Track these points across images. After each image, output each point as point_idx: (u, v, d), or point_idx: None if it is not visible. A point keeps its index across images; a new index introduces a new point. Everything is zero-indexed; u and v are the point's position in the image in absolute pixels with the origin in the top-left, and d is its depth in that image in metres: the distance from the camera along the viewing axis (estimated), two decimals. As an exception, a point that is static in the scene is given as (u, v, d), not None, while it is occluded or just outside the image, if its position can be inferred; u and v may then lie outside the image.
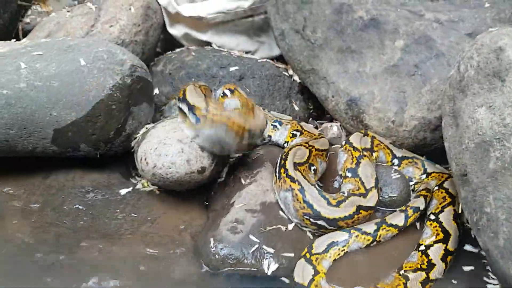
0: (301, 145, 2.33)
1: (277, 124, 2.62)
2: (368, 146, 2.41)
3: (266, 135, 2.61)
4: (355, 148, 2.34)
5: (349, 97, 2.57)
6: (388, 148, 2.45)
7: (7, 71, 2.09)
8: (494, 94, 1.67)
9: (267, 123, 2.21)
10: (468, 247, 2.09)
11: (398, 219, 2.15)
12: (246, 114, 2.09)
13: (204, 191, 2.37)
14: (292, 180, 2.08)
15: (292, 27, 2.76)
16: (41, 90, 2.08)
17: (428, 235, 2.10)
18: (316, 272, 1.90)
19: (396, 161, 2.46)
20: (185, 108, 2.13)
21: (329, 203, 2.08)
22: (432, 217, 2.17)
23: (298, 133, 2.60)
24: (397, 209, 2.25)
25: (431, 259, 1.95)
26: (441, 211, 2.17)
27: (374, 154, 2.42)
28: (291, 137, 2.60)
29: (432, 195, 2.30)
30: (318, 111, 3.03)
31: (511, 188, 1.56)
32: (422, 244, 2.06)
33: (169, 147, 2.03)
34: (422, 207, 2.19)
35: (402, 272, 1.93)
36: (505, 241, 1.58)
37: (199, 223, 2.21)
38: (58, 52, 2.16)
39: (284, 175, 2.10)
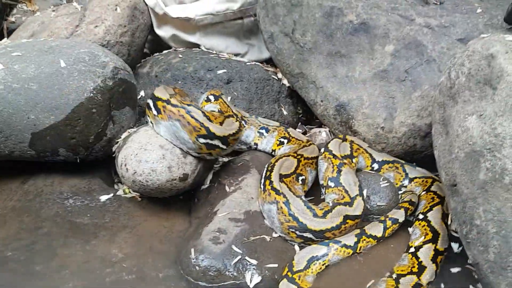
0: (288, 156, 2.27)
1: (263, 131, 2.55)
2: (348, 152, 2.35)
3: (252, 143, 2.54)
4: (334, 156, 2.28)
5: (337, 102, 2.51)
6: (367, 152, 2.39)
7: (-17, 73, 2.01)
8: (485, 102, 1.61)
9: (238, 133, 2.13)
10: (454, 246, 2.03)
11: (377, 230, 2.10)
12: (215, 118, 2.05)
13: (187, 197, 2.31)
14: (277, 192, 2.02)
15: (281, 30, 2.70)
16: (18, 93, 2.00)
17: (417, 235, 2.06)
18: (303, 288, 1.83)
19: (376, 166, 2.40)
20: (150, 101, 2.11)
21: (315, 215, 2.02)
22: (421, 216, 2.14)
23: (285, 140, 2.54)
24: (376, 220, 2.19)
25: (421, 261, 1.90)
26: (430, 209, 2.13)
27: (354, 160, 2.36)
28: (278, 145, 2.54)
29: (419, 198, 2.25)
30: (307, 115, 2.97)
31: (502, 201, 1.50)
32: (412, 246, 2.01)
33: (150, 153, 1.96)
34: (401, 219, 2.14)
35: (394, 276, 1.87)
36: (495, 255, 1.52)
37: (181, 230, 2.14)
38: (38, 54, 2.08)
39: (269, 187, 2.04)
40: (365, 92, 2.45)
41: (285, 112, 2.83)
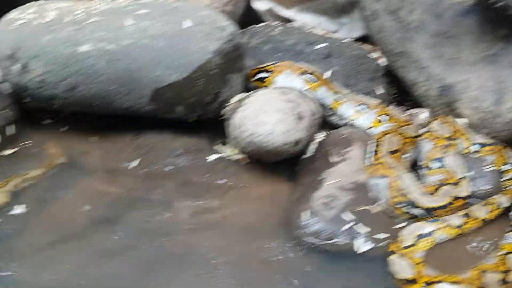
0: (393, 133, 2.26)
1: (363, 107, 2.54)
2: (450, 133, 2.32)
3: (350, 118, 2.53)
4: (438, 137, 2.26)
5: (442, 83, 2.49)
6: (467, 134, 2.35)
7: (112, 28, 2.11)
8: None
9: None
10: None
11: (482, 212, 2.07)
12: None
13: (288, 165, 2.34)
14: (386, 167, 2.03)
15: (386, 8, 2.69)
16: (145, 49, 2.08)
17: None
18: (412, 265, 1.85)
19: (475, 148, 2.36)
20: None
21: (423, 193, 2.02)
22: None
23: (385, 118, 2.53)
24: (482, 202, 2.16)
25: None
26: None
27: (456, 141, 2.33)
28: (377, 122, 2.53)
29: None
30: (401, 96, 2.95)
31: None
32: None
33: (269, 116, 2.01)
34: (506, 204, 2.10)
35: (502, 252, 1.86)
36: None
37: (285, 196, 2.19)
38: (164, 13, 2.16)
39: (377, 161, 2.05)
40: (473, 75, 2.42)
41: (380, 91, 2.82)
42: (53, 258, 1.77)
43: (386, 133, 2.26)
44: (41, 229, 1.91)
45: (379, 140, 2.17)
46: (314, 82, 2.46)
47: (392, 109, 2.58)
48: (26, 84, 2.14)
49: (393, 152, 2.13)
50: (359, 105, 2.54)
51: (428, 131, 2.32)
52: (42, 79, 2.11)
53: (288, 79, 2.38)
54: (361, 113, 2.51)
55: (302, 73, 2.48)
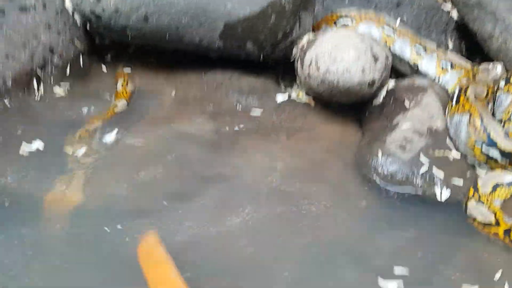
0: (474, 82, 2.16)
1: (445, 63, 2.42)
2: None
3: (414, 63, 2.42)
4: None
5: (521, 35, 2.34)
6: None
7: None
8: None
9: None
10: None
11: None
12: None
13: (355, 110, 2.28)
14: (472, 105, 1.94)
15: (461, -45, 2.54)
16: (219, -20, 2.02)
17: None
18: (492, 211, 1.77)
19: None
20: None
21: (506, 136, 1.93)
22: None
23: (449, 64, 2.41)
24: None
25: None
26: None
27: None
28: (442, 68, 2.41)
29: None
30: (470, 52, 2.83)
31: None
32: None
33: (345, 53, 1.93)
34: None
35: None
36: None
37: (354, 139, 2.13)
38: None
39: (464, 100, 1.96)
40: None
41: (451, 45, 2.71)
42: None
43: (468, 83, 2.16)
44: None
45: (463, 87, 2.08)
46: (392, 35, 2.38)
47: (454, 55, 2.47)
48: (100, 14, 2.11)
49: (477, 98, 2.04)
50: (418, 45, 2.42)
51: (508, 84, 2.21)
52: (116, 9, 2.08)
53: (369, 29, 2.29)
54: (445, 70, 2.40)
55: (383, 26, 2.39)
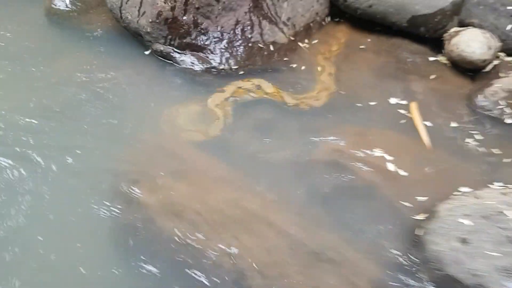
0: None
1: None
2: None
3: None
4: None
5: None
6: None
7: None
8: None
9: None
10: None
11: None
12: None
13: (473, 72, 4.17)
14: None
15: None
16: (416, -7, 3.99)
17: None
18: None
19: None
20: None
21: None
22: None
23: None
24: None
25: None
26: None
27: None
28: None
29: None
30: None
31: None
32: None
33: (474, 43, 3.86)
34: None
35: None
36: None
37: (468, 86, 4.05)
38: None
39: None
40: None
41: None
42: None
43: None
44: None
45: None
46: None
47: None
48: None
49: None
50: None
51: None
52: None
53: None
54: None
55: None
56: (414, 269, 2.41)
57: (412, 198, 2.84)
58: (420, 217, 2.70)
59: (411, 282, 2.36)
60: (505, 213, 2.49)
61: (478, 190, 2.76)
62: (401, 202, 2.82)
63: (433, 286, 2.32)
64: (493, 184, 2.88)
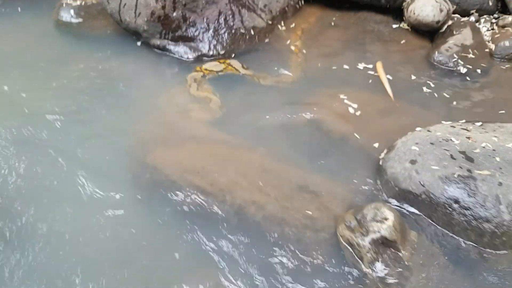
0: None
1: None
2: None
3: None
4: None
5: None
6: None
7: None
8: None
9: None
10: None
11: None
12: None
13: (430, 34, 4.75)
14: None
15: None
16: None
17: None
18: None
19: None
20: None
21: None
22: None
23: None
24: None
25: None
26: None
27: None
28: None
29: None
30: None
31: None
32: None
33: (427, 7, 4.45)
34: None
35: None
36: None
37: (427, 46, 4.64)
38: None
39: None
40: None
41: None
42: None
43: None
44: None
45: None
46: None
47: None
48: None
49: None
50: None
51: None
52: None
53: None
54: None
55: None
56: (378, 190, 3.02)
57: (378, 140, 3.44)
58: (384, 153, 3.31)
59: (376, 199, 2.97)
60: (452, 139, 3.08)
61: (430, 126, 3.35)
62: (369, 144, 3.43)
63: (393, 199, 2.92)
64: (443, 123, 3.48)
